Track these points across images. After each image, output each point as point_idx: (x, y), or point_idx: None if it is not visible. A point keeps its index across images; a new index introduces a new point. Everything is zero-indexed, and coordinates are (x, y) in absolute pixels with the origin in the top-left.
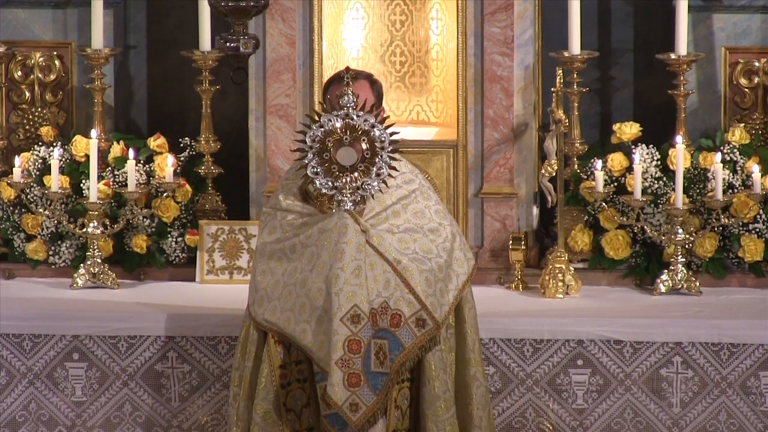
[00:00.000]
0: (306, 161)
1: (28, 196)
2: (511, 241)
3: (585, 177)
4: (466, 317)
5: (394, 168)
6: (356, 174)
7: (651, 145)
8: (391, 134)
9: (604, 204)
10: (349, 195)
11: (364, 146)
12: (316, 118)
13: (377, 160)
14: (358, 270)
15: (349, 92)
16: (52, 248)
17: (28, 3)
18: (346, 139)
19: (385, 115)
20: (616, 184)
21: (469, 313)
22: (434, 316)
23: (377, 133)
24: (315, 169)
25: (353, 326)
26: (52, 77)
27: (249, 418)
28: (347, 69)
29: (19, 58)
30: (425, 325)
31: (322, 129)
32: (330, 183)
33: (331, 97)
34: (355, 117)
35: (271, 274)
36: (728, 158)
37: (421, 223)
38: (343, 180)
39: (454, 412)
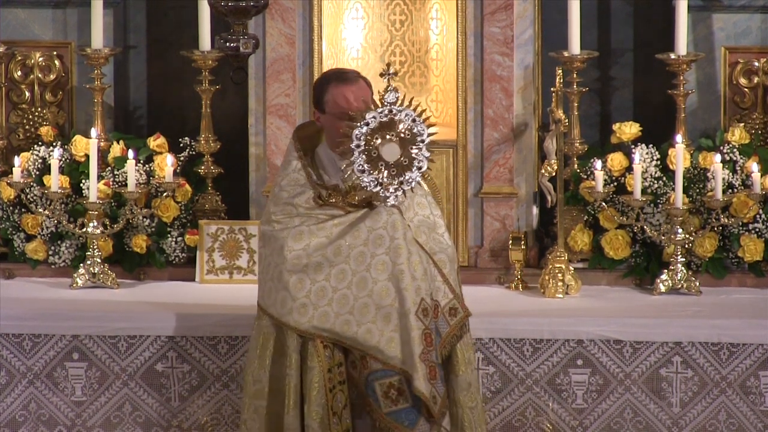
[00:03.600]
0: (352, 159)
1: (28, 196)
2: (510, 241)
3: (585, 177)
4: None
5: (432, 160)
6: (400, 168)
7: (651, 145)
8: (429, 127)
9: (603, 204)
10: (393, 190)
11: (406, 140)
12: (359, 116)
13: (418, 153)
14: (417, 264)
15: (393, 88)
16: (52, 248)
17: (28, 3)
18: (391, 135)
19: (414, 106)
20: (615, 183)
21: None
22: (464, 304)
23: (418, 127)
24: (362, 167)
25: (425, 319)
26: (52, 77)
27: (301, 427)
28: (388, 65)
29: (19, 58)
30: (457, 314)
31: (368, 126)
32: (375, 179)
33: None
34: (399, 112)
35: (310, 281)
36: (728, 158)
37: (426, 214)
38: (388, 175)
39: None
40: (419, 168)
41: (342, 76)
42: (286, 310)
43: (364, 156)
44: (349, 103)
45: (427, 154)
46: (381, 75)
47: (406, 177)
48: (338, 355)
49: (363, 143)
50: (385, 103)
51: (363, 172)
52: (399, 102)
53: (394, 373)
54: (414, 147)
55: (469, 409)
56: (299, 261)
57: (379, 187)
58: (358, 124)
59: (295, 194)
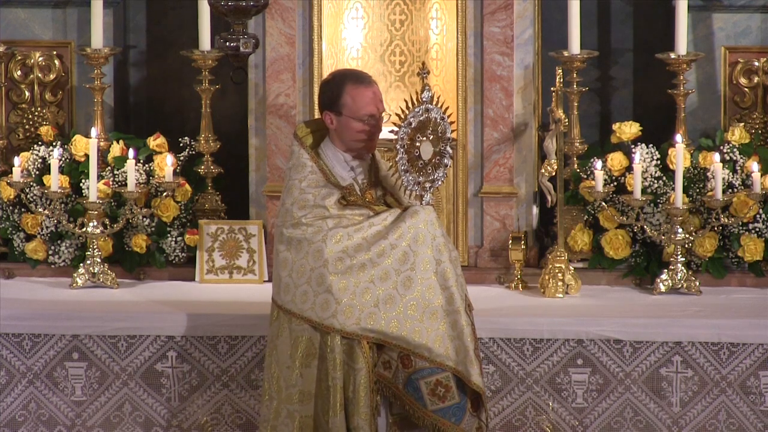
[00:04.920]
0: (397, 159)
1: (28, 196)
2: (510, 241)
3: (585, 176)
4: None
5: (452, 158)
6: (433, 166)
7: (651, 145)
8: (451, 123)
9: (603, 203)
10: (428, 188)
11: (436, 139)
12: (403, 116)
13: (444, 151)
14: (456, 261)
15: (429, 87)
16: (52, 248)
17: (28, 3)
18: (429, 134)
19: (441, 103)
20: (615, 183)
21: None
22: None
23: (446, 126)
24: (405, 166)
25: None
26: (52, 77)
27: (345, 429)
28: (423, 64)
29: (19, 57)
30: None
31: (411, 126)
32: (413, 179)
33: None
34: (435, 112)
35: (354, 283)
36: (728, 158)
37: None
38: (424, 174)
39: None
40: (445, 166)
41: (358, 78)
42: (329, 313)
43: (405, 155)
44: (375, 106)
45: (451, 152)
46: (417, 74)
47: (437, 175)
48: (374, 357)
49: (406, 143)
50: (423, 102)
51: (406, 171)
52: (434, 101)
53: (441, 370)
54: (443, 144)
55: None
56: (342, 263)
57: (417, 187)
58: (402, 124)
59: (322, 196)
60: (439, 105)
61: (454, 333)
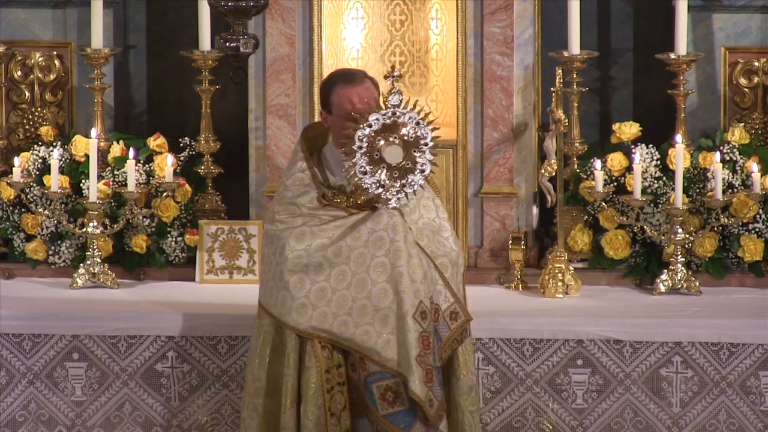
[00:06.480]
0: (354, 161)
1: (28, 196)
2: (510, 241)
3: (585, 177)
4: None
5: (435, 164)
6: (402, 171)
7: (651, 145)
8: (433, 130)
9: (603, 204)
10: (395, 193)
11: (409, 143)
12: (363, 117)
13: (421, 156)
14: (417, 267)
15: (397, 90)
16: (52, 248)
17: (28, 3)
18: (394, 137)
19: (419, 109)
20: (615, 183)
21: None
22: (466, 309)
23: (422, 130)
24: (364, 169)
25: (423, 322)
26: (52, 77)
27: (297, 426)
28: (392, 68)
29: (19, 57)
30: (458, 318)
31: (371, 128)
32: (377, 181)
33: (350, 96)
34: (402, 115)
35: (310, 281)
36: (728, 158)
37: (431, 217)
38: (390, 178)
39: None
40: (422, 171)
41: (348, 77)
42: (285, 310)
43: (366, 157)
44: (353, 105)
45: (431, 158)
46: (385, 77)
47: (409, 180)
48: (338, 357)
49: (365, 145)
50: (389, 106)
51: (365, 173)
52: (403, 105)
53: (390, 375)
54: (417, 150)
55: (470, 412)
56: (300, 261)
57: (381, 189)
58: (361, 125)
59: (299, 194)
60: (416, 110)
61: (401, 338)
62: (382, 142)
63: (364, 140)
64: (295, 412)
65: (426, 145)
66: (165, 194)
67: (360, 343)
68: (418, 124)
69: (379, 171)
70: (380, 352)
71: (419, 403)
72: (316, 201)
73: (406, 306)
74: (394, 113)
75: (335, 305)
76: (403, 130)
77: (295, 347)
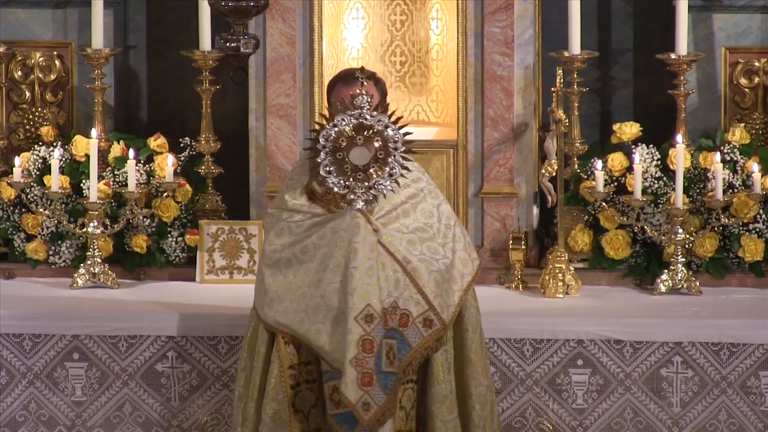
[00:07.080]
0: (319, 160)
1: (28, 196)
2: (511, 241)
3: (585, 177)
4: (465, 316)
5: (406, 168)
6: (369, 173)
7: (651, 145)
8: (405, 134)
9: (604, 204)
10: (361, 194)
11: (377, 146)
12: (330, 117)
13: (390, 160)
14: (371, 270)
15: (363, 92)
16: (52, 248)
17: (28, 3)
18: (359, 139)
19: (390, 112)
20: (616, 183)
21: (468, 312)
22: (442, 317)
23: (391, 133)
24: (328, 168)
25: (367, 326)
26: (52, 77)
27: (257, 419)
28: (361, 69)
29: (19, 58)
30: (432, 325)
31: (336, 128)
32: (342, 182)
33: (344, 97)
34: (369, 117)
35: (282, 276)
36: (728, 158)
37: (429, 223)
38: (356, 179)
39: (458, 414)
40: (391, 175)
41: (344, 78)
42: (260, 303)
43: (330, 157)
44: (342, 105)
45: (402, 162)
46: (355, 78)
47: (376, 183)
48: (305, 353)
49: (331, 145)
50: (356, 107)
51: (329, 173)
52: (370, 107)
53: (338, 375)
54: (386, 153)
55: (442, 422)
56: (275, 255)
57: (346, 190)
58: (327, 125)
59: (288, 188)
60: (387, 113)
61: (340, 339)
62: (345, 144)
63: (328, 140)
64: (259, 406)
65: (396, 149)
66: (165, 194)
67: (312, 341)
68: (387, 127)
69: (344, 172)
70: (328, 352)
71: (348, 405)
72: (299, 196)
73: (349, 307)
74: (360, 115)
75: (296, 302)
76: (371, 132)
77: (265, 341)
